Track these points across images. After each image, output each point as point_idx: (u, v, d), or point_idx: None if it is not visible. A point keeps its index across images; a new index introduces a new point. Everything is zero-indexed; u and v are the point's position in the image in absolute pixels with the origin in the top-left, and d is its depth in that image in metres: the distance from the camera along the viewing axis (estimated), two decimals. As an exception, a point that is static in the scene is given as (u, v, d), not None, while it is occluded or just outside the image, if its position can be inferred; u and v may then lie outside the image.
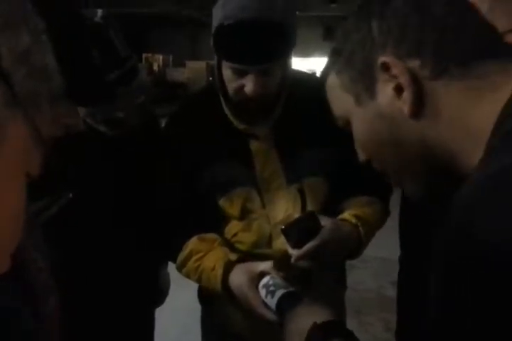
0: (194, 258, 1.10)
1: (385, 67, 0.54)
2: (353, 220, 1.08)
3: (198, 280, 1.13)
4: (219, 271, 1.05)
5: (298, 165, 1.11)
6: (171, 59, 15.91)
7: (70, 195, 0.33)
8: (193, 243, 1.12)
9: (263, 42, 0.97)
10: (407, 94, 0.53)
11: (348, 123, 0.62)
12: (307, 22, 12.84)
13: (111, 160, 1.23)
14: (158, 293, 1.52)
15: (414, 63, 0.53)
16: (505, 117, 0.48)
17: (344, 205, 1.14)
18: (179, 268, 1.16)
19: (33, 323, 0.52)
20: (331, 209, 1.13)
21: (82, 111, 1.15)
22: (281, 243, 1.10)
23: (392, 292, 2.83)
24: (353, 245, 1.09)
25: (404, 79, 0.53)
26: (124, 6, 10.97)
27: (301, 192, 1.11)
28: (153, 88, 12.22)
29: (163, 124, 1.55)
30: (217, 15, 1.00)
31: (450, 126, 0.52)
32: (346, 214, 1.09)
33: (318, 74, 1.32)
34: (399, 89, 0.54)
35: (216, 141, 1.12)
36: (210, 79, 14.04)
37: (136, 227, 1.27)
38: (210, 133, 1.12)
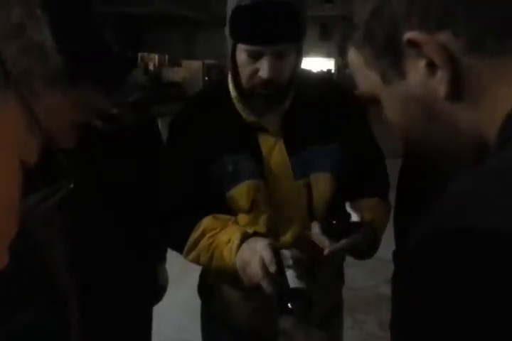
0: (208, 235, 1.09)
1: (413, 44, 0.47)
2: (371, 224, 1.09)
3: (209, 259, 1.09)
4: (235, 243, 1.02)
5: (305, 160, 1.12)
6: (166, 58, 15.91)
7: (71, 186, 0.31)
8: (206, 221, 1.11)
9: (279, 24, 0.99)
10: (442, 74, 0.46)
11: (377, 102, 0.56)
12: (303, 22, 12.86)
13: (108, 155, 1.25)
14: (157, 290, 1.52)
15: (446, 36, 0.45)
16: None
17: (355, 206, 1.12)
18: (188, 252, 1.12)
19: (61, 330, 0.51)
20: (337, 205, 1.14)
21: None
22: (289, 237, 1.11)
23: (386, 290, 2.85)
24: (367, 247, 1.10)
25: (437, 57, 0.46)
26: (120, 5, 10.95)
27: (308, 187, 1.12)
28: (148, 87, 12.22)
29: (159, 123, 1.56)
30: None
31: (483, 110, 0.46)
32: (367, 218, 1.10)
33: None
34: (431, 67, 0.46)
35: (224, 135, 1.12)
36: (206, 78, 14.04)
37: (136, 222, 1.28)
38: (218, 127, 1.13)
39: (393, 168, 1.29)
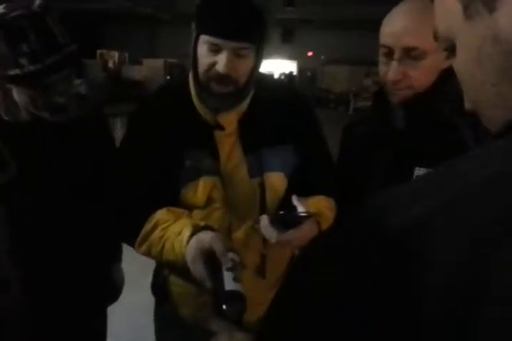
0: (160, 227, 1.08)
1: None
2: (317, 218, 1.11)
3: (160, 252, 1.07)
4: (186, 235, 1.02)
5: (260, 160, 1.15)
6: (127, 56, 15.62)
7: (13, 173, 0.29)
8: (160, 214, 1.10)
9: (241, 22, 1.02)
10: None
11: (451, 48, 0.42)
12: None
13: (56, 147, 1.24)
14: (112, 289, 1.50)
15: None
16: None
17: (301, 199, 1.14)
18: (140, 244, 1.10)
19: None
20: (288, 204, 1.16)
21: (23, 99, 1.16)
22: (241, 233, 1.14)
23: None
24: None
25: None
26: (80, 1, 10.70)
27: (262, 187, 1.15)
28: (107, 86, 11.97)
29: (118, 123, 1.54)
30: None
31: None
32: (311, 211, 1.11)
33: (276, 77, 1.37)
34: None
35: (183, 131, 1.14)
36: (168, 77, 13.88)
37: (86, 216, 1.26)
38: (177, 123, 1.14)
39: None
